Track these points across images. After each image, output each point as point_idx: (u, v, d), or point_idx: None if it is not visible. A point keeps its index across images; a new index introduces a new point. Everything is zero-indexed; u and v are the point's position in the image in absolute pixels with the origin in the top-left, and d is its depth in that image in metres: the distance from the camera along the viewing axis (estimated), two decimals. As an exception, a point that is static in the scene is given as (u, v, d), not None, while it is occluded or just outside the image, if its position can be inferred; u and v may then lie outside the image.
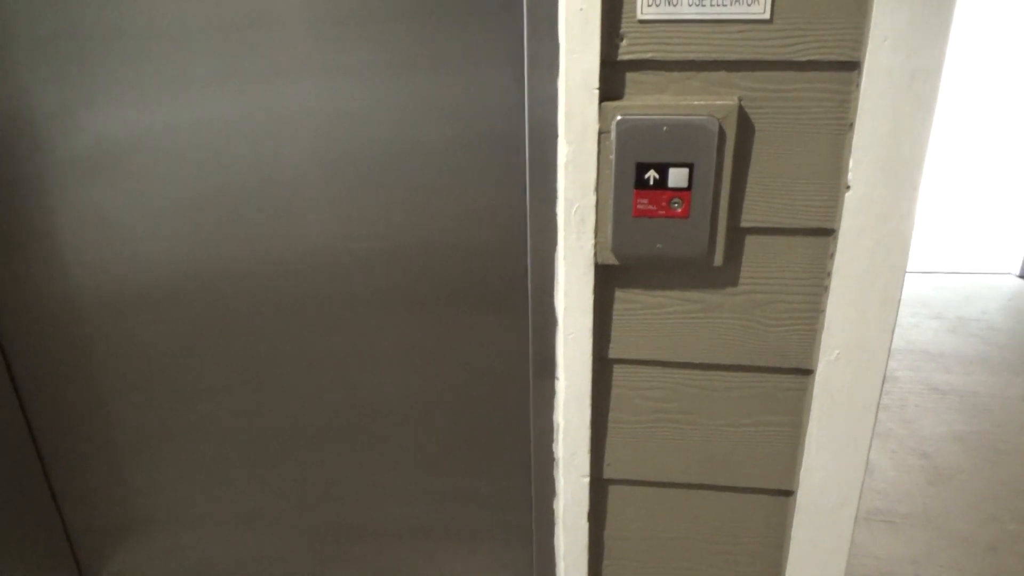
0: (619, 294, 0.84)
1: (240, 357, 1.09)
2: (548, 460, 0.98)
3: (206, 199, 1.00)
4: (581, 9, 0.73)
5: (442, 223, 0.96)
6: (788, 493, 0.90)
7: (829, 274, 0.77)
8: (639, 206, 0.78)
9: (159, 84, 0.94)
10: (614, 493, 0.95)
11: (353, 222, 0.98)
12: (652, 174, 0.76)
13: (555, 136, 0.81)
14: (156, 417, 1.17)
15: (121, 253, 1.06)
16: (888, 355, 0.74)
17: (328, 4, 0.88)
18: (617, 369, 0.88)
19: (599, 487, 0.95)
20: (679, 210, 0.77)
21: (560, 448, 0.92)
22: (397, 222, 0.97)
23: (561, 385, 0.89)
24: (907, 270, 0.69)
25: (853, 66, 0.69)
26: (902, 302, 4.04)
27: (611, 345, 0.86)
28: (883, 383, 0.75)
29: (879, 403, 0.74)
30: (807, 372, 0.82)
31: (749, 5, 0.70)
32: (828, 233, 0.75)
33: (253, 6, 0.89)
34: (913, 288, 4.27)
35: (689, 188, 0.75)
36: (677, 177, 0.76)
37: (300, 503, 1.19)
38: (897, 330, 3.66)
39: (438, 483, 1.13)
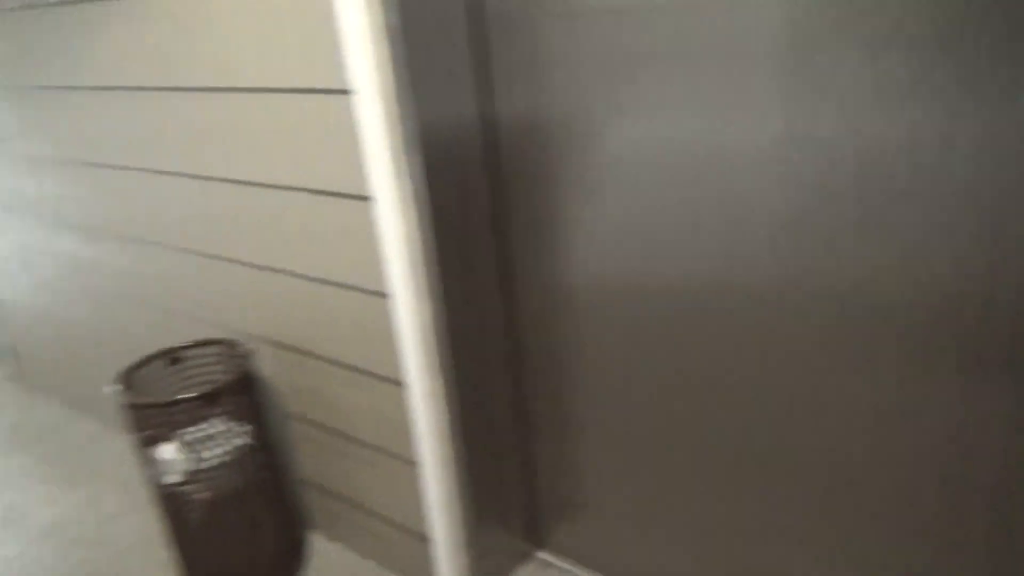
0: None
1: (715, 372, 1.09)
2: None
3: (735, 216, 0.98)
4: None
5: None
6: None
7: None
8: None
9: (703, 100, 0.94)
10: None
11: (894, 260, 0.87)
12: None
13: None
14: (634, 415, 1.21)
15: (620, 258, 1.11)
16: None
17: (882, 20, 0.77)
18: None
19: None
20: None
21: None
22: (958, 267, 0.83)
23: None
24: None
25: None
26: None
27: None
28: None
29: None
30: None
31: None
32: None
33: (804, 30, 0.83)
34: None
35: None
36: None
37: (740, 538, 1.18)
38: None
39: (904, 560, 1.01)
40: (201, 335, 1.58)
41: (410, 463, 1.34)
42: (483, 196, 1.19)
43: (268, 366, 1.53)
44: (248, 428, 1.43)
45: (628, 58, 0.99)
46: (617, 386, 1.22)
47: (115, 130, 1.55)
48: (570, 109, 1.06)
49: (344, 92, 1.09)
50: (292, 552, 1.59)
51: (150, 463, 1.38)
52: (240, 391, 1.40)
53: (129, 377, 1.44)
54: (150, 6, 1.30)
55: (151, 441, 1.36)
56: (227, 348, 1.51)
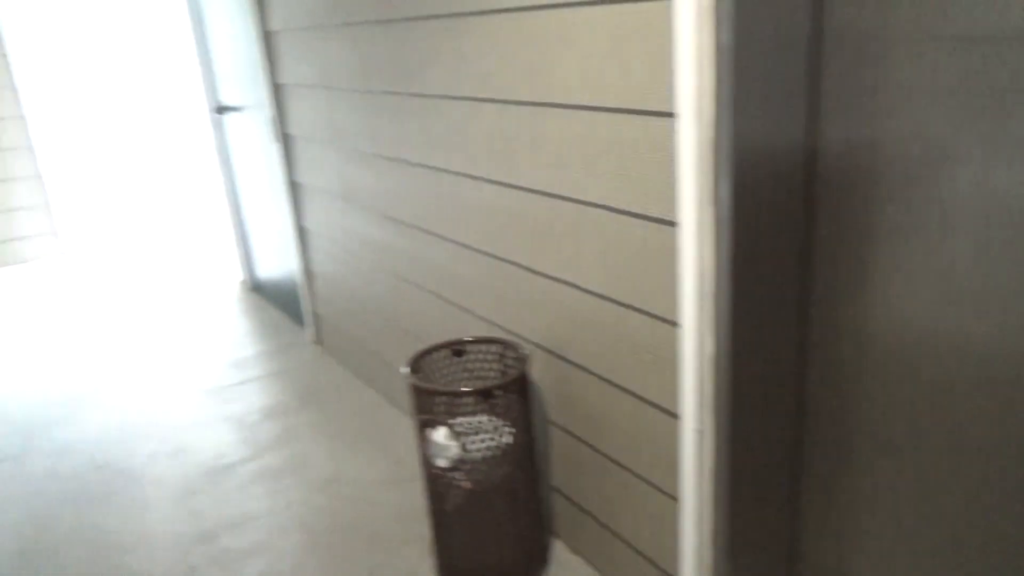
0: None
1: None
2: None
3: None
4: None
5: None
6: None
7: None
8: None
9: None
10: None
11: None
12: None
13: None
14: (922, 488, 1.10)
15: (941, 311, 1.00)
16: None
17: None
18: None
19: None
20: None
21: None
22: None
23: None
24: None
25: None
26: None
27: None
28: None
29: None
30: None
31: None
32: None
33: None
34: None
35: None
36: None
37: None
38: None
39: None
40: (483, 332, 1.68)
41: (670, 497, 1.30)
42: (793, 231, 1.12)
43: (539, 372, 1.58)
44: (514, 428, 1.49)
45: (981, 92, 0.86)
46: (907, 452, 1.08)
47: (438, 135, 1.71)
48: (907, 143, 0.96)
49: (667, 115, 1.08)
50: (537, 553, 1.63)
51: (424, 443, 1.49)
52: (513, 392, 1.46)
53: (418, 362, 1.57)
54: (486, 24, 1.41)
55: (428, 424, 1.47)
56: (508, 349, 1.59)
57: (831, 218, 1.08)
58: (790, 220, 1.11)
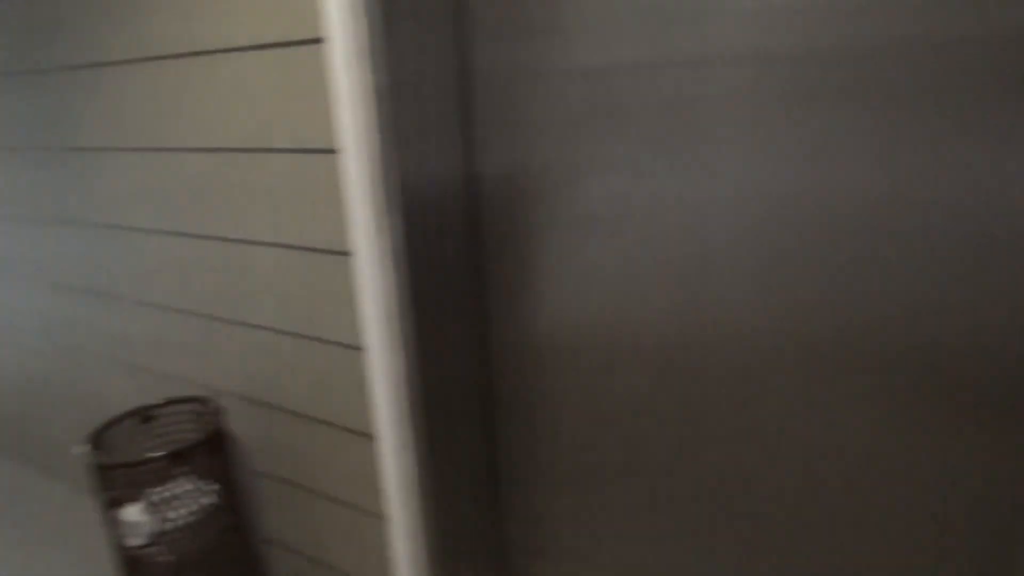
0: None
1: (693, 420, 1.14)
2: None
3: (706, 267, 1.06)
4: None
5: (943, 314, 0.89)
6: None
7: None
8: None
9: (675, 154, 1.03)
10: None
11: (840, 304, 0.96)
12: None
13: None
14: (607, 464, 1.25)
15: (598, 308, 1.17)
16: None
17: (838, 80, 0.88)
18: None
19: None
20: None
21: None
22: (904, 307, 0.92)
23: None
24: None
25: None
26: None
27: None
28: None
29: None
30: None
31: None
32: None
33: (769, 87, 0.92)
34: None
35: None
36: None
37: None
38: None
39: None
40: (180, 391, 1.59)
41: (378, 517, 1.34)
42: (463, 251, 1.25)
43: (239, 423, 1.53)
44: (215, 487, 1.42)
45: (603, 115, 1.06)
46: (589, 435, 1.26)
47: (102, 190, 1.59)
48: (548, 165, 1.14)
49: (331, 152, 1.15)
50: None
51: (115, 525, 1.36)
52: (209, 449, 1.39)
53: (98, 437, 1.43)
54: (142, 72, 1.37)
55: (117, 502, 1.35)
56: (199, 406, 1.52)
57: (497, 237, 1.23)
58: (460, 240, 1.24)
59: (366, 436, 1.30)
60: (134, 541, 1.36)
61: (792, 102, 0.91)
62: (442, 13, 1.13)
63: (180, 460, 1.34)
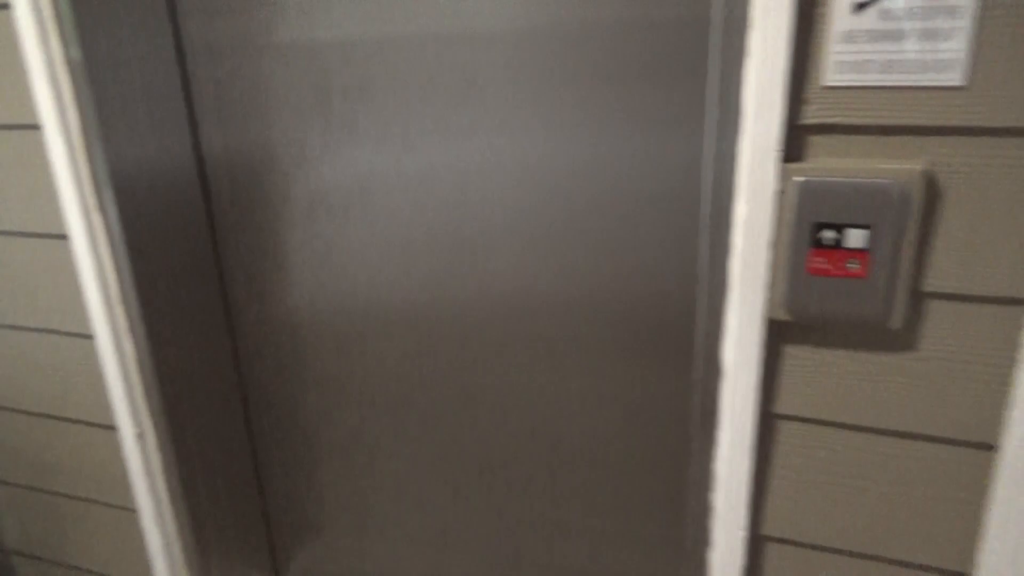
0: (789, 350, 0.82)
1: (434, 384, 1.19)
2: (705, 510, 0.98)
3: (408, 241, 1.11)
4: (766, 75, 0.73)
5: (620, 274, 0.99)
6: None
7: (1021, 347, 0.75)
8: (815, 265, 0.77)
9: (379, 136, 1.06)
10: (772, 552, 0.91)
11: (533, 270, 1.04)
12: (830, 234, 0.75)
13: (733, 194, 0.81)
14: (359, 430, 1.28)
15: (339, 284, 1.19)
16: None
17: (520, 67, 0.95)
18: (783, 425, 0.85)
19: (757, 543, 0.91)
20: (856, 270, 0.75)
21: (718, 499, 0.89)
22: (577, 272, 1.02)
23: (724, 437, 0.86)
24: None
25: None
26: None
27: (778, 401, 0.84)
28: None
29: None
30: (989, 447, 0.79)
31: (940, 72, 0.70)
32: (1020, 303, 0.74)
33: (461, 72, 0.98)
34: None
35: (867, 249, 0.74)
36: (855, 238, 0.75)
37: (474, 529, 1.28)
38: None
39: (598, 523, 1.16)
40: None
41: (129, 511, 1.29)
42: (194, 233, 1.21)
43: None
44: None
45: (333, 91, 1.06)
46: (345, 412, 1.27)
47: None
48: (279, 143, 1.12)
49: (33, 127, 1.08)
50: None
51: None
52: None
53: None
54: None
55: None
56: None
57: (230, 216, 1.21)
58: (190, 222, 1.20)
59: (109, 428, 1.24)
60: None
61: (511, 78, 0.96)
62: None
63: None
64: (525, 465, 1.18)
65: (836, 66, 0.72)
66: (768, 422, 0.87)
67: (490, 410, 1.16)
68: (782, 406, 0.85)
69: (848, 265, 0.75)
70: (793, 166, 0.75)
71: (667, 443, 1.06)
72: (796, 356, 0.83)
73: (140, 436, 1.19)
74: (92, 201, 1.07)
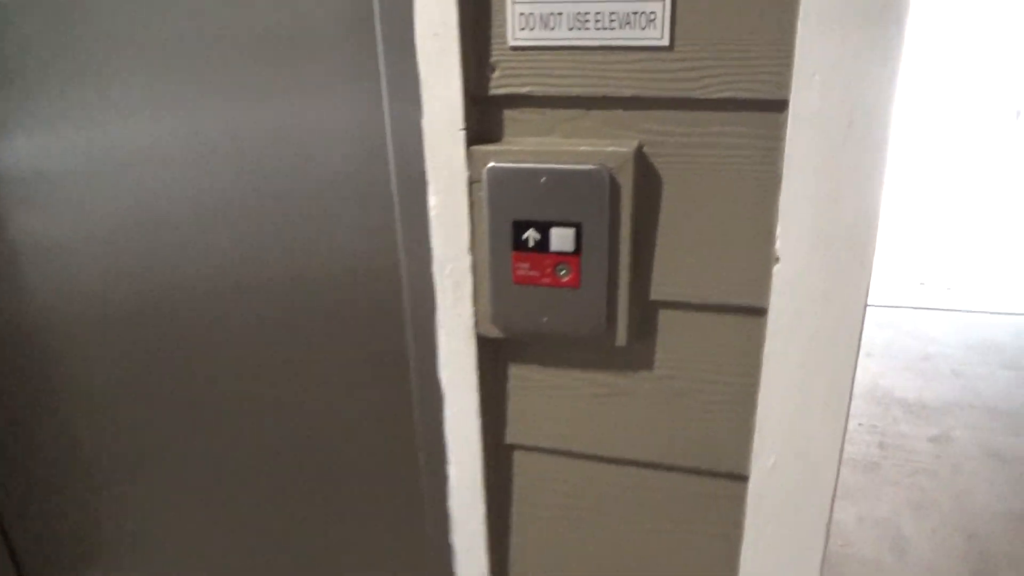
0: (513, 371, 0.68)
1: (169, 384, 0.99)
2: (446, 551, 0.81)
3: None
4: (436, 33, 0.56)
5: (321, 273, 0.78)
6: (719, 612, 0.76)
7: (760, 364, 0.61)
8: (520, 271, 0.61)
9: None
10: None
11: (215, 281, 0.83)
12: (532, 234, 0.59)
13: (425, 181, 0.63)
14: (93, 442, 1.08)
15: (46, 277, 0.96)
16: (839, 462, 0.59)
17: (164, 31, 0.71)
18: (517, 456, 0.72)
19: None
20: (567, 278, 0.60)
21: (455, 540, 0.76)
22: (261, 262, 0.80)
23: (452, 470, 0.72)
24: (858, 355, 0.53)
25: (781, 105, 0.54)
26: (973, 347, 3.33)
27: (507, 428, 0.70)
28: (834, 494, 0.60)
29: (830, 518, 0.58)
30: (742, 478, 0.66)
31: (643, 28, 0.54)
32: (760, 313, 0.60)
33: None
34: (988, 331, 3.51)
35: (578, 252, 0.59)
36: (561, 239, 0.59)
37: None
38: (963, 380, 2.99)
39: (334, 557, 0.97)
40: None
41: None
42: None
43: None
44: None
45: None
46: (78, 426, 1.08)
47: None
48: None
49: None
50: None
51: None
52: None
53: None
54: None
55: None
56: None
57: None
58: None
59: None
60: None
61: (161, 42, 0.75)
62: None
63: None
64: (260, 479, 1.00)
65: (520, 19, 0.55)
66: (498, 452, 0.73)
67: (216, 415, 0.98)
68: (512, 435, 0.71)
69: (558, 272, 0.60)
70: (483, 149, 0.59)
71: (398, 480, 0.89)
72: (522, 378, 0.69)
73: None
74: None
